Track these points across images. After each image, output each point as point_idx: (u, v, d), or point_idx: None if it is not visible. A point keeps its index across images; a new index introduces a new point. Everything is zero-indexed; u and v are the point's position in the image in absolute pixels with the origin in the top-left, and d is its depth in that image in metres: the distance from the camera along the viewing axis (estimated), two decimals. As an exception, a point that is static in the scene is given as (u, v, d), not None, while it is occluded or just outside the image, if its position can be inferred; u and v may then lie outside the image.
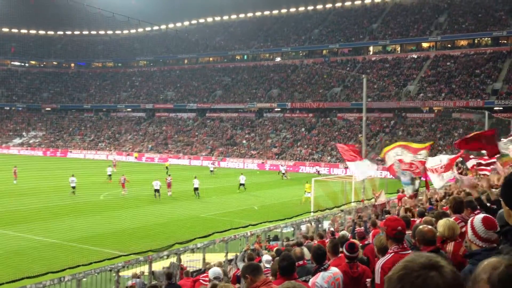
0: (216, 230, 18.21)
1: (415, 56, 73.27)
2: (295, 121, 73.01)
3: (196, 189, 33.56)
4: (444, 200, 13.09)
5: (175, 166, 57.29)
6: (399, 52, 76.43)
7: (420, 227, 4.83)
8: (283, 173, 49.09)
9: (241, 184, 37.35)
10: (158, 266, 13.43)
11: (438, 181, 15.17)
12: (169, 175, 35.66)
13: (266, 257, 9.43)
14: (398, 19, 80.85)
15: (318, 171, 54.73)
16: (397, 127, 63.17)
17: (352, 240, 7.44)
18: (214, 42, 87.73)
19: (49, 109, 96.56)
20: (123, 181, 34.33)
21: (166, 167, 49.51)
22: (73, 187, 32.77)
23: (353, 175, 19.98)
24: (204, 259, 13.91)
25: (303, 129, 69.92)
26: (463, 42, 71.57)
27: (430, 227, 4.79)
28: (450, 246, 4.74)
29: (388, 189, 26.57)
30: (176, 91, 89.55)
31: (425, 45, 75.17)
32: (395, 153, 14.96)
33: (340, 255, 6.01)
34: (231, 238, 15.31)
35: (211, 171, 51.26)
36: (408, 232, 6.26)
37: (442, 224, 4.96)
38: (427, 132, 59.90)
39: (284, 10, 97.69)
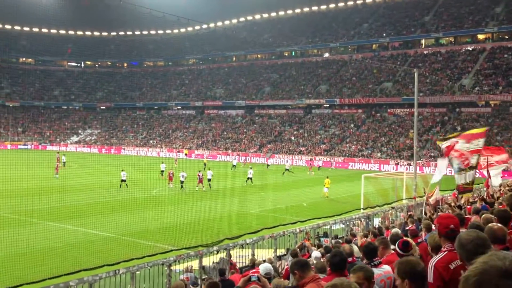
0: (265, 226, 18.29)
1: (470, 49, 70.54)
2: (344, 117, 72.08)
3: (209, 180, 35.40)
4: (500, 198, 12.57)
5: (227, 163, 57.92)
6: (453, 44, 73.82)
7: (490, 224, 4.63)
8: (287, 169, 49.38)
9: (248, 178, 38.43)
10: (208, 261, 13.63)
11: (496, 177, 14.58)
12: (199, 171, 36.73)
13: (316, 253, 9.36)
14: (452, 10, 78.03)
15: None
16: (451, 122, 61.10)
17: (405, 238, 7.27)
18: (262, 39, 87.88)
19: (104, 107, 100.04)
20: (171, 175, 36.45)
21: (204, 164, 50.67)
22: (123, 180, 34.53)
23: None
24: (253, 254, 13.99)
25: (352, 125, 68.95)
26: (522, 33, 68.28)
27: (500, 225, 4.60)
28: None
29: (442, 186, 25.79)
30: (224, 89, 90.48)
31: (480, 36, 72.19)
32: (451, 142, 14.47)
33: (391, 251, 5.88)
34: (279, 235, 15.31)
35: (234, 165, 52.31)
36: (463, 230, 6.05)
37: None
38: (483, 127, 57.58)
39: (332, 5, 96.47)
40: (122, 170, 35.09)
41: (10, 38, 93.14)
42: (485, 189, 18.17)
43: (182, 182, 34.71)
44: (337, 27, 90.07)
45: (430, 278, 3.83)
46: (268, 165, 57.04)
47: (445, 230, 4.37)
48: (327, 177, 33.13)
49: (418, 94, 27.52)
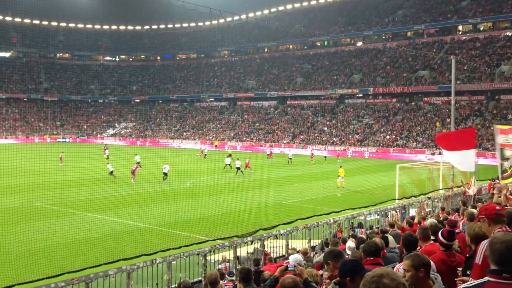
0: (299, 217, 18.27)
1: (510, 34, 68.11)
2: (377, 106, 71.00)
3: (227, 165, 40.54)
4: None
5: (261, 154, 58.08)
6: (491, 30, 71.42)
7: None
8: (290, 158, 50.04)
9: (237, 168, 39.32)
10: (243, 251, 13.74)
11: None
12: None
13: (350, 243, 9.29)
14: (490, -6, 75.45)
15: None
16: (489, 110, 59.31)
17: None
18: (294, 29, 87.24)
19: (138, 100, 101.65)
20: (134, 169, 34.57)
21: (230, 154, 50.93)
22: (111, 172, 35.18)
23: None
24: (287, 245, 14.03)
25: (386, 115, 67.84)
26: None
27: None
28: None
29: (480, 176, 25.12)
30: (257, 80, 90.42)
31: (521, 21, 69.62)
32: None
33: (431, 242, 5.79)
34: (314, 225, 15.28)
35: (290, 158, 52.22)
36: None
37: None
38: (523, 115, 55.71)
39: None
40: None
41: (48, 34, 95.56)
42: None
43: (165, 174, 34.13)
44: (371, 15, 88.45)
45: (479, 259, 3.77)
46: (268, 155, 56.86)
47: (491, 212, 4.35)
48: (340, 167, 33.18)
49: (455, 82, 26.78)
